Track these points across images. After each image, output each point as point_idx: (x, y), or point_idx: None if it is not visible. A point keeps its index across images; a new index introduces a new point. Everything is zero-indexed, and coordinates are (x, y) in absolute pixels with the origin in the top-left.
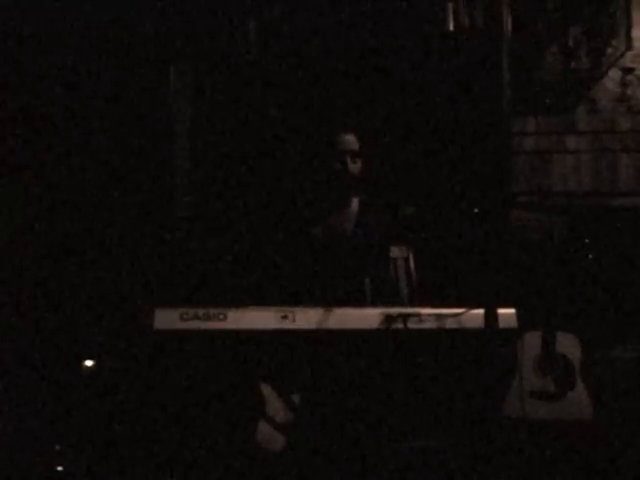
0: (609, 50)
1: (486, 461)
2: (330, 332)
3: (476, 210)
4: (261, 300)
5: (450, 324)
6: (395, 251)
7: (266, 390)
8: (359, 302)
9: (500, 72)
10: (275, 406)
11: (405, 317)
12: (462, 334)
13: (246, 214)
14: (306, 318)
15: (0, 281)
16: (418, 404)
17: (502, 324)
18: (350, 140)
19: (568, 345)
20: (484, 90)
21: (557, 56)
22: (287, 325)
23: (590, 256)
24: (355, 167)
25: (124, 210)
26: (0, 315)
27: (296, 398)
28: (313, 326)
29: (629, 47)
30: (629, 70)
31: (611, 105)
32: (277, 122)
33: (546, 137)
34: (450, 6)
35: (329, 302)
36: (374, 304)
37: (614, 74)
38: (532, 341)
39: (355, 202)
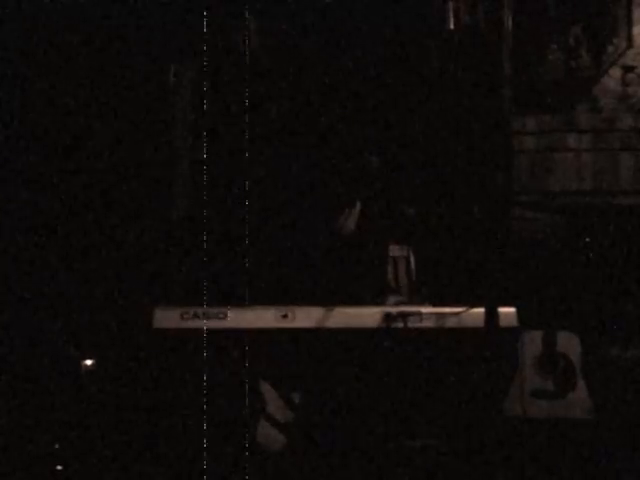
0: (610, 48)
1: (486, 460)
2: (330, 331)
3: (477, 209)
4: (261, 299)
5: (451, 323)
6: (395, 250)
7: (266, 389)
8: (359, 301)
9: (500, 71)
10: (275, 405)
11: (405, 316)
12: (463, 333)
13: (246, 213)
14: (306, 317)
15: (0, 281)
16: (418, 403)
17: (503, 323)
18: (351, 139)
19: (569, 344)
20: (485, 89)
21: (558, 55)
22: (287, 324)
23: (590, 255)
24: (357, 166)
25: (124, 210)
26: (0, 315)
27: (296, 397)
28: (313, 325)
29: (630, 45)
30: (630, 68)
31: (612, 103)
32: (277, 121)
33: (547, 136)
34: (450, 6)
35: (329, 301)
36: (374, 303)
37: (615, 72)
38: (533, 340)
39: (358, 203)
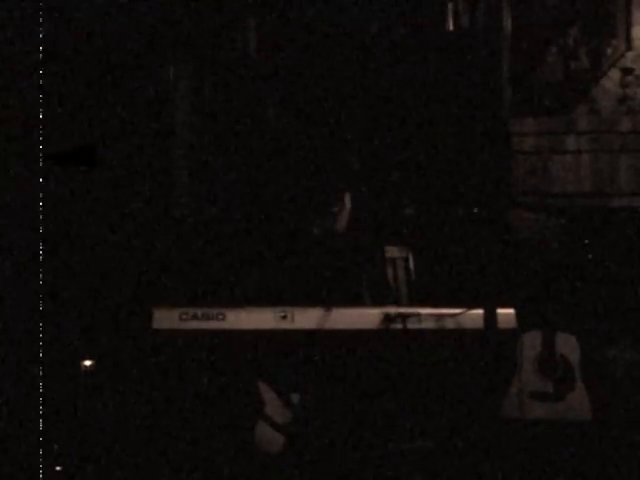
0: (609, 50)
1: (484, 462)
2: (329, 332)
3: (476, 210)
4: (260, 300)
5: (449, 324)
6: (394, 251)
7: (265, 390)
8: (358, 302)
9: (499, 72)
10: (274, 406)
11: (404, 317)
12: (461, 334)
13: (244, 213)
14: (305, 318)
15: (0, 281)
16: (417, 404)
17: (502, 324)
18: (348, 140)
19: (568, 345)
20: (484, 90)
21: (557, 56)
22: (286, 325)
23: (589, 256)
24: (351, 166)
25: (123, 210)
26: (0, 315)
27: (295, 398)
28: (312, 326)
29: (629, 47)
30: (629, 70)
31: (611, 105)
32: (276, 122)
33: (546, 137)
34: (450, 6)
35: (328, 302)
36: (373, 304)
37: (614, 74)
38: (531, 341)
39: (348, 201)
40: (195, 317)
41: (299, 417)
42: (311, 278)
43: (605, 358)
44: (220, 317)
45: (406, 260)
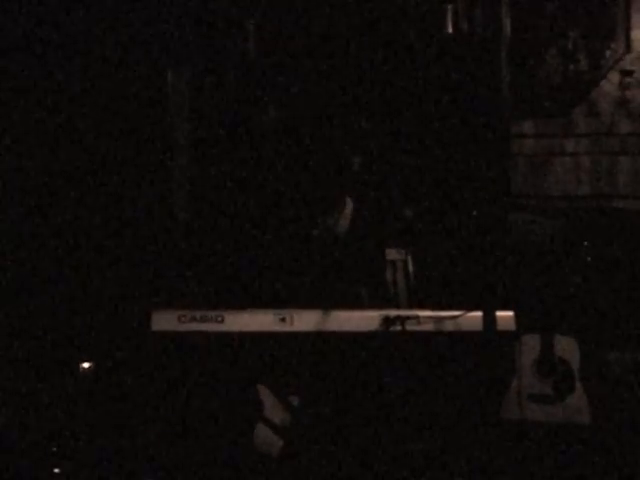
0: (608, 52)
1: (483, 464)
2: (328, 334)
3: (475, 212)
4: (259, 302)
5: (448, 327)
6: (393, 253)
7: (264, 392)
8: (357, 304)
9: (499, 75)
10: (273, 408)
11: (404, 319)
12: (461, 337)
13: (243, 216)
14: (304, 320)
15: (0, 281)
16: (416, 406)
17: (501, 327)
18: (347, 141)
19: (567, 348)
20: (483, 93)
21: (556, 58)
22: (285, 327)
23: (589, 259)
24: (351, 168)
25: (122, 212)
26: (0, 316)
27: (294, 400)
28: (311, 328)
29: (628, 49)
30: (628, 72)
31: (610, 108)
32: (275, 123)
33: (545, 140)
34: (449, 9)
35: (327, 304)
36: (372, 306)
37: (613, 77)
38: (531, 344)
39: (349, 203)
40: (194, 319)
41: (298, 419)
42: (311, 280)
43: (605, 361)
44: (219, 319)
45: (405, 262)
